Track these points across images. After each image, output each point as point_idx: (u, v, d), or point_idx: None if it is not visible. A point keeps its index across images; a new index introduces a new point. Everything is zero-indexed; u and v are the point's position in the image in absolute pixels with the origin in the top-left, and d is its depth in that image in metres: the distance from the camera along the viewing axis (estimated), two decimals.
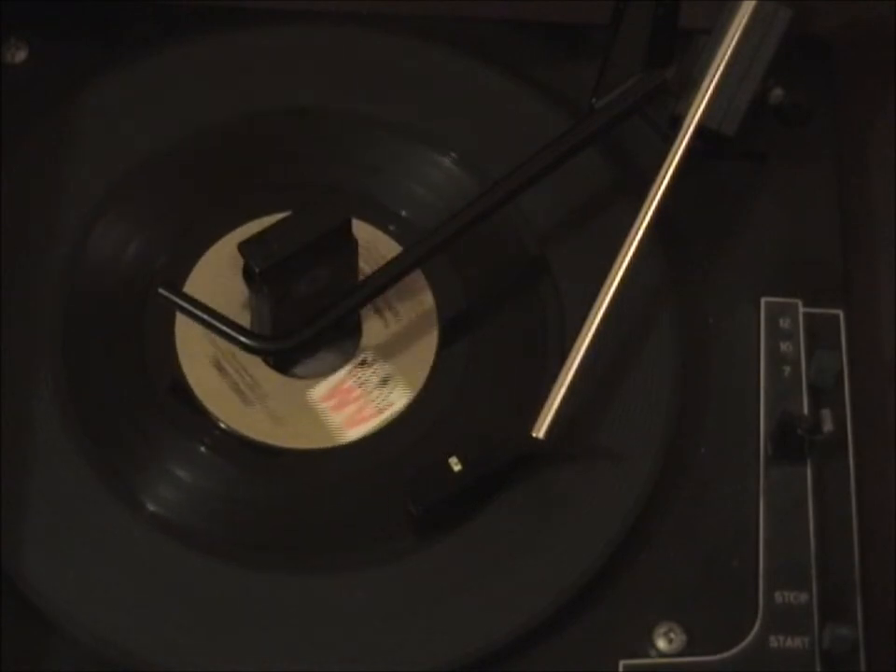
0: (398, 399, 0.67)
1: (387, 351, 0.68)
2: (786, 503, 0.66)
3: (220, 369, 0.67)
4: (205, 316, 0.64)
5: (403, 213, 0.71)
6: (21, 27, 0.74)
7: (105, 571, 0.62)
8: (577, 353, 0.65)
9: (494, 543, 0.64)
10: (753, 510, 0.66)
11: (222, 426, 0.66)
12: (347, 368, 0.67)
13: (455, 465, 0.63)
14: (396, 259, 0.66)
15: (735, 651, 0.63)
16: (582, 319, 0.65)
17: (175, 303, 0.65)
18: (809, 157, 0.74)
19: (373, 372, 0.67)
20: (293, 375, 0.68)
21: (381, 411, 0.66)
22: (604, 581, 0.64)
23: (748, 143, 0.72)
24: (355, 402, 0.67)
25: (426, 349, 0.68)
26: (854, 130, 0.76)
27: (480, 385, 0.68)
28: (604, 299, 0.65)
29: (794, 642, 0.63)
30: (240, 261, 0.63)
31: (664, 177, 0.67)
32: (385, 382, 0.67)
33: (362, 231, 0.67)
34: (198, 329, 0.65)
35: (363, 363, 0.67)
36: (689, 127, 0.68)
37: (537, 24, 0.77)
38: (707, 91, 0.69)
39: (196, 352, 0.68)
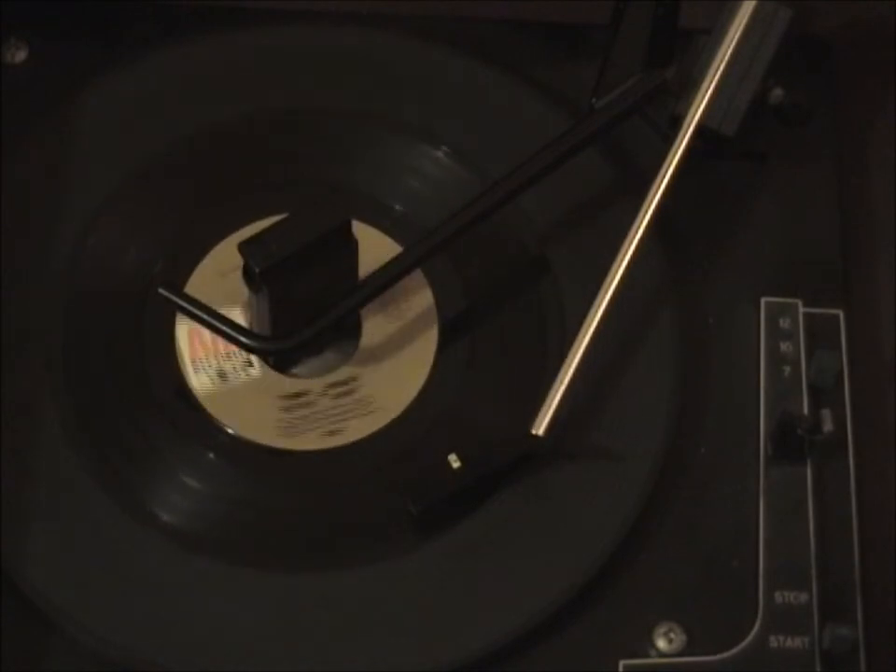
0: (353, 430, 0.66)
1: (387, 351, 0.68)
2: (786, 503, 0.66)
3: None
4: (205, 316, 0.64)
5: (403, 212, 0.71)
6: (21, 27, 0.74)
7: (104, 571, 0.62)
8: (576, 352, 0.65)
9: (494, 543, 0.64)
10: (753, 510, 0.66)
11: (222, 427, 0.66)
12: (321, 381, 0.67)
13: (455, 462, 0.63)
14: (396, 258, 0.66)
15: (735, 650, 0.63)
16: (582, 319, 0.65)
17: (175, 303, 0.65)
18: (809, 157, 0.74)
19: (344, 395, 0.67)
20: (293, 375, 0.68)
21: (331, 433, 0.66)
22: (604, 581, 0.64)
23: (748, 143, 0.72)
24: (311, 415, 0.66)
25: (426, 349, 0.68)
26: (854, 130, 0.76)
27: (480, 384, 0.68)
28: (604, 298, 0.65)
29: (794, 642, 0.63)
30: (240, 262, 0.63)
31: (664, 177, 0.67)
32: (349, 409, 0.66)
33: (362, 231, 0.67)
34: (198, 328, 0.66)
35: (339, 384, 0.67)
36: (689, 127, 0.68)
37: (537, 24, 0.77)
38: (706, 91, 0.69)
39: (196, 352, 0.68)
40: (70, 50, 0.74)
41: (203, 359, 0.67)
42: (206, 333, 0.66)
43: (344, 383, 0.67)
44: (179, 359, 0.67)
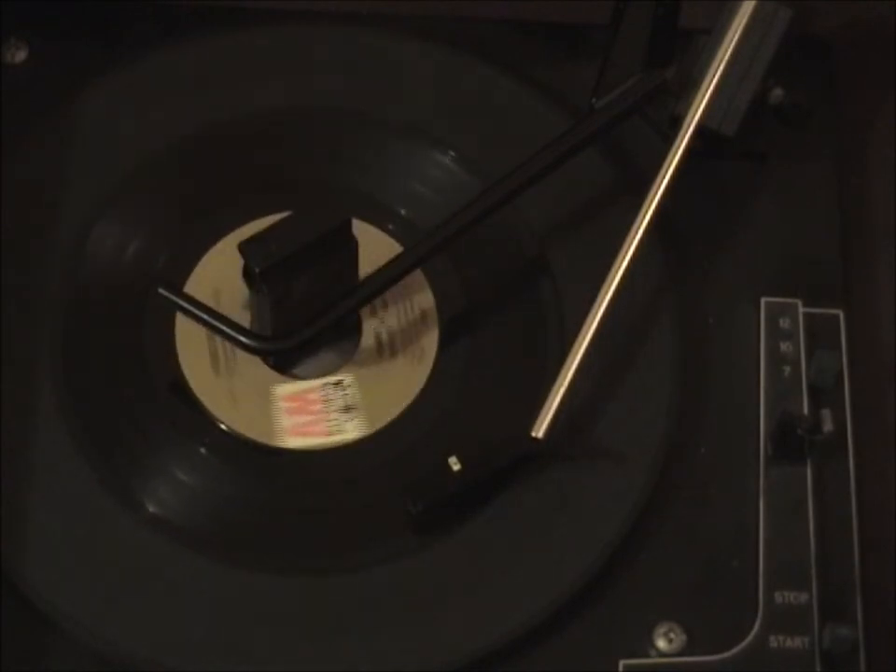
0: (351, 430, 0.66)
1: (387, 352, 0.68)
2: (786, 503, 0.66)
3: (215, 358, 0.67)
4: (205, 316, 0.64)
5: (403, 212, 0.71)
6: (21, 27, 0.74)
7: (104, 571, 0.62)
8: (576, 353, 0.65)
9: (493, 543, 0.64)
10: (753, 510, 0.66)
11: (222, 426, 0.66)
12: (320, 381, 0.67)
13: (455, 464, 0.63)
14: (396, 258, 0.66)
15: (735, 650, 0.63)
16: (582, 319, 0.65)
17: (175, 303, 0.65)
18: (809, 157, 0.74)
19: (342, 396, 0.67)
20: (293, 375, 0.68)
21: (329, 434, 0.66)
22: (604, 581, 0.64)
23: (748, 143, 0.72)
24: (310, 415, 0.66)
25: (426, 349, 0.68)
26: (854, 130, 0.76)
27: (480, 384, 0.68)
28: (603, 298, 0.65)
29: (794, 642, 0.63)
30: (240, 261, 0.63)
31: (664, 177, 0.67)
32: (347, 409, 0.66)
33: (362, 230, 0.67)
34: (198, 328, 0.66)
35: (338, 384, 0.67)
36: (689, 127, 0.68)
37: (537, 24, 0.77)
38: (706, 91, 0.69)
39: (196, 352, 0.68)
40: (70, 50, 0.74)
41: (203, 359, 0.67)
42: (206, 333, 0.66)
43: (344, 383, 0.67)
44: (179, 359, 0.67)
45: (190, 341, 0.68)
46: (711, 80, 0.69)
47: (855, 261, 0.72)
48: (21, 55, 0.74)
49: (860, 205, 0.74)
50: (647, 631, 0.63)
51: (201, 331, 0.66)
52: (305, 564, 0.63)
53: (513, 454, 0.64)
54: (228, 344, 0.66)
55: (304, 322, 0.65)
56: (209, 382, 0.67)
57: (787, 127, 0.74)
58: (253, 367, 0.67)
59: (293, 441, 0.66)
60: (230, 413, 0.66)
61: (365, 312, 0.68)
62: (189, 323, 0.66)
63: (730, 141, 0.70)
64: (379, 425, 0.66)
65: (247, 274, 0.64)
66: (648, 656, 0.63)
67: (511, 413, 0.66)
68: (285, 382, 0.67)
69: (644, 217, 0.67)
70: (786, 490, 0.66)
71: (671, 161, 0.68)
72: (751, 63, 0.70)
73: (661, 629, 0.63)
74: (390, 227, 0.71)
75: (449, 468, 0.63)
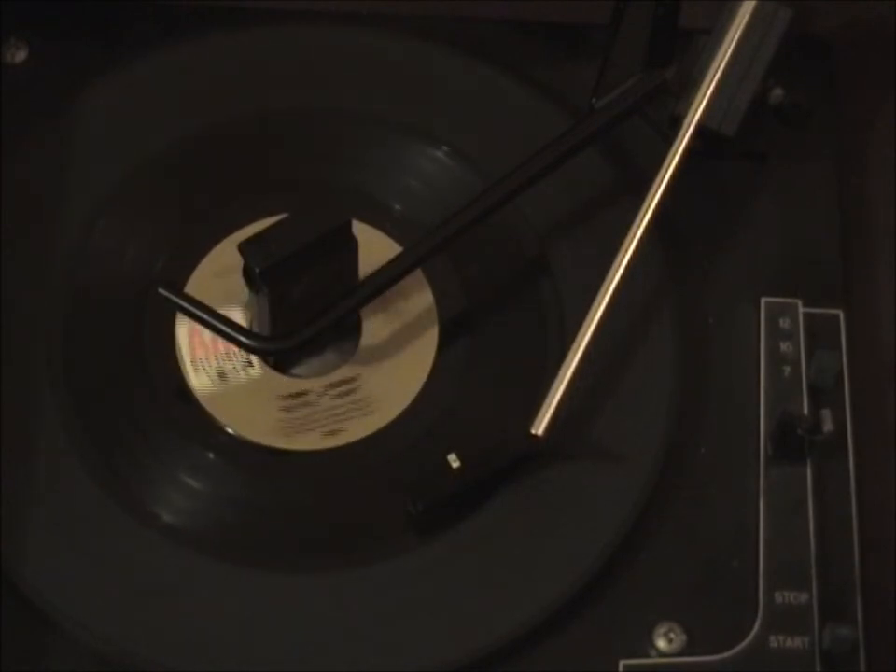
0: (352, 430, 0.66)
1: (387, 351, 0.68)
2: (786, 503, 0.66)
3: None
4: (205, 316, 0.64)
5: (403, 212, 0.71)
6: (21, 27, 0.74)
7: (104, 571, 0.62)
8: (576, 351, 0.65)
9: (493, 543, 0.64)
10: (753, 510, 0.66)
11: (222, 427, 0.66)
12: (321, 381, 0.67)
13: (454, 461, 0.63)
14: (396, 258, 0.66)
15: (735, 650, 0.63)
16: (582, 319, 0.65)
17: (175, 303, 0.65)
18: (809, 157, 0.74)
19: (343, 396, 0.67)
20: (293, 375, 0.68)
21: (330, 434, 0.66)
22: (604, 581, 0.64)
23: (748, 143, 0.72)
24: (310, 414, 0.66)
25: (426, 349, 0.68)
26: (854, 130, 0.76)
27: (480, 384, 0.68)
28: (603, 298, 0.65)
29: (794, 642, 0.63)
30: (240, 262, 0.63)
31: (664, 177, 0.67)
32: (348, 409, 0.66)
33: (362, 230, 0.67)
34: (198, 328, 0.66)
35: (339, 384, 0.67)
36: (689, 127, 0.68)
37: (537, 24, 0.77)
38: (706, 91, 0.69)
39: (196, 352, 0.68)
40: (70, 50, 0.74)
41: (203, 359, 0.67)
42: (206, 333, 0.66)
43: (344, 383, 0.67)
44: (179, 359, 0.67)
45: (190, 341, 0.68)
46: (711, 80, 0.69)
47: (855, 261, 0.72)
48: (21, 55, 0.74)
49: (860, 205, 0.74)
50: (647, 631, 0.63)
51: (201, 331, 0.67)
52: (305, 564, 0.63)
53: (513, 452, 0.64)
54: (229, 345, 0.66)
55: (304, 322, 0.65)
56: (210, 382, 0.67)
57: (787, 127, 0.74)
58: (253, 367, 0.67)
59: (292, 441, 0.66)
60: (230, 414, 0.66)
61: (365, 312, 0.68)
62: (189, 323, 0.66)
63: (730, 141, 0.70)
64: (379, 425, 0.66)
65: (247, 274, 0.64)
66: (648, 656, 0.63)
67: (512, 413, 0.66)
68: (284, 381, 0.67)
69: (644, 216, 0.67)
70: (786, 490, 0.66)
71: (671, 161, 0.68)
72: (751, 63, 0.70)
73: (661, 629, 0.63)
74: (390, 227, 0.71)
75: (448, 465, 0.63)
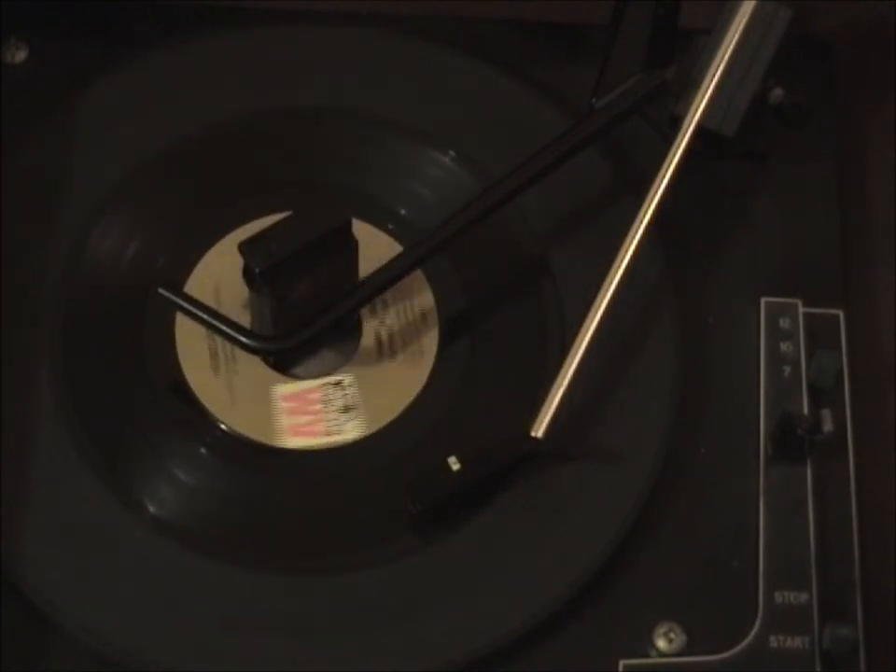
0: (351, 430, 0.66)
1: (387, 351, 0.68)
2: (786, 503, 0.66)
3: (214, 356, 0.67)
4: (205, 316, 0.64)
5: (403, 212, 0.71)
6: (21, 27, 0.74)
7: (104, 571, 0.62)
8: (576, 352, 0.65)
9: (493, 543, 0.64)
10: (753, 510, 0.66)
11: (222, 426, 0.66)
12: (320, 381, 0.67)
13: (454, 464, 0.63)
14: (396, 258, 0.66)
15: (735, 650, 0.63)
16: (582, 319, 0.65)
17: (175, 303, 0.65)
18: (809, 157, 0.74)
19: (342, 396, 0.67)
20: (293, 375, 0.68)
21: (329, 434, 0.66)
22: (604, 581, 0.64)
23: (748, 143, 0.72)
24: (310, 415, 0.66)
25: (426, 349, 0.68)
26: (854, 130, 0.76)
27: (480, 384, 0.68)
28: (603, 298, 0.65)
29: (794, 642, 0.63)
30: (240, 261, 0.63)
31: (664, 177, 0.67)
32: (347, 409, 0.66)
33: (362, 230, 0.67)
34: (198, 328, 0.66)
35: (338, 384, 0.67)
36: (689, 127, 0.68)
37: (537, 24, 0.77)
38: (706, 91, 0.69)
39: (196, 352, 0.68)
40: (70, 50, 0.74)
41: (204, 359, 0.67)
42: (206, 333, 0.66)
43: (344, 383, 0.67)
44: (179, 359, 0.67)
45: (190, 341, 0.68)
46: (711, 80, 0.69)
47: (855, 261, 0.72)
48: (21, 55, 0.74)
49: (860, 205, 0.74)
50: (647, 631, 0.63)
51: (201, 331, 0.67)
52: (306, 564, 0.63)
53: (513, 453, 0.64)
54: (228, 344, 0.66)
55: (304, 322, 0.65)
56: (209, 382, 0.67)
57: (787, 127, 0.74)
58: (253, 367, 0.67)
59: (292, 441, 0.66)
60: (230, 414, 0.66)
61: (365, 312, 0.68)
62: (189, 323, 0.66)
63: (730, 141, 0.70)
64: (378, 425, 0.66)
65: (247, 274, 0.64)
66: (648, 656, 0.63)
67: (512, 413, 0.66)
68: (284, 381, 0.67)
69: (644, 216, 0.67)
70: (786, 490, 0.66)
71: (671, 161, 0.68)
72: (751, 63, 0.70)
73: (661, 629, 0.63)
74: (390, 227, 0.71)
75: (448, 467, 0.63)
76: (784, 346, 0.69)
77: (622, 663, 0.63)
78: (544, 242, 0.70)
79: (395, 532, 0.64)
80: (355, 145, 0.72)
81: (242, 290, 0.65)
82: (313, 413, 0.67)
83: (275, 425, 0.66)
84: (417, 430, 0.66)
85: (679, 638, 0.63)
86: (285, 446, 0.66)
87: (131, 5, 0.76)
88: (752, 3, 0.70)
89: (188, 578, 0.62)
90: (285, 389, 0.67)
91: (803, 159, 0.74)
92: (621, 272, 0.66)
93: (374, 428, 0.66)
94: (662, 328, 0.68)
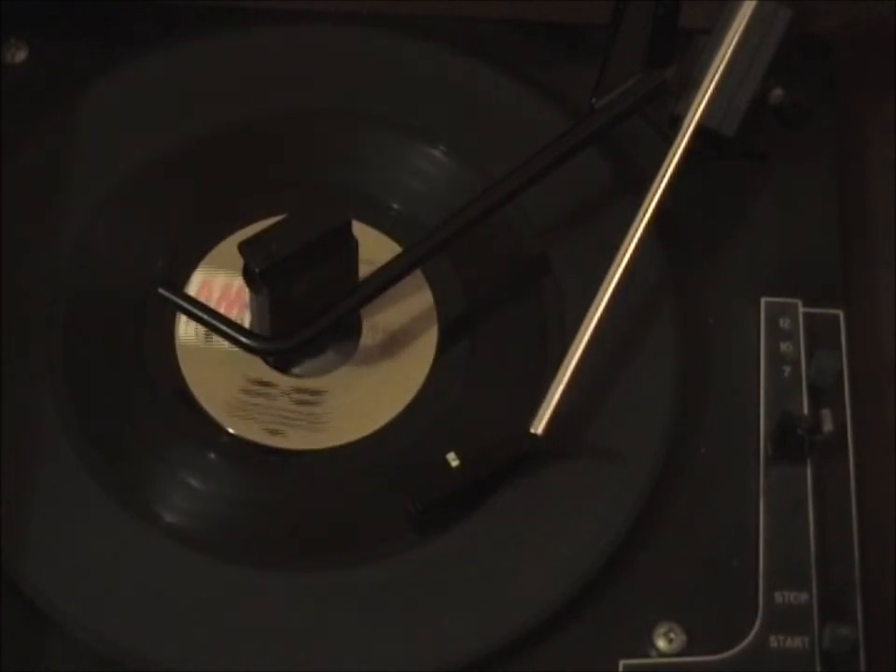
0: (291, 439, 0.66)
1: (386, 351, 0.68)
2: (786, 503, 0.66)
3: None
4: (205, 316, 0.64)
5: (403, 212, 0.71)
6: (21, 27, 0.74)
7: (104, 571, 0.62)
8: (576, 351, 0.65)
9: (493, 543, 0.64)
10: (753, 510, 0.66)
11: (222, 427, 0.66)
12: (294, 382, 0.67)
13: (453, 460, 0.63)
14: (396, 258, 0.66)
15: (735, 650, 0.63)
16: (582, 319, 0.65)
17: (175, 303, 0.65)
18: (809, 157, 0.74)
19: (304, 405, 0.66)
20: (293, 375, 0.68)
21: (269, 431, 0.66)
22: (604, 581, 0.64)
23: (748, 143, 0.72)
24: (264, 406, 0.66)
25: (426, 349, 0.68)
26: (854, 130, 0.76)
27: (479, 384, 0.68)
28: (604, 298, 0.66)
29: (794, 642, 0.63)
30: (240, 261, 0.63)
31: (663, 177, 0.67)
32: (301, 418, 0.66)
33: (362, 231, 0.67)
34: (199, 329, 0.66)
35: (307, 392, 0.67)
36: (689, 127, 0.68)
37: (537, 24, 0.77)
38: (706, 91, 0.69)
39: (196, 352, 0.68)
40: (70, 50, 0.74)
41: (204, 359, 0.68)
42: (206, 333, 0.66)
43: (314, 393, 0.67)
44: (179, 359, 0.67)
45: (190, 341, 0.68)
46: (711, 80, 0.69)
47: (855, 261, 0.72)
48: (21, 55, 0.74)
49: (860, 205, 0.74)
50: (647, 631, 0.63)
51: (201, 331, 0.67)
52: (306, 564, 0.63)
53: (513, 451, 0.64)
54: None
55: (304, 322, 0.65)
56: (209, 381, 0.67)
57: (787, 127, 0.74)
58: (252, 366, 0.67)
59: (231, 421, 0.66)
60: (231, 415, 0.66)
61: (365, 312, 0.68)
62: (188, 323, 0.66)
63: (730, 141, 0.70)
64: (380, 424, 0.66)
65: (247, 274, 0.64)
66: (648, 656, 0.63)
67: (511, 412, 0.66)
68: (263, 367, 0.67)
69: (644, 216, 0.67)
70: (786, 490, 0.66)
71: (671, 161, 0.68)
72: (751, 63, 0.70)
73: (661, 629, 0.63)
74: (390, 227, 0.71)
75: (448, 464, 0.63)
76: (784, 346, 0.69)
77: (622, 663, 0.63)
78: (544, 241, 0.70)
79: (394, 532, 0.64)
80: (355, 145, 0.72)
81: (242, 290, 0.65)
82: (267, 406, 0.66)
83: (228, 397, 0.66)
84: (417, 430, 0.66)
85: (679, 638, 0.63)
86: (286, 446, 0.66)
87: (131, 5, 0.76)
88: (752, 3, 0.70)
89: (187, 578, 0.62)
90: (257, 373, 0.67)
91: (803, 159, 0.74)
92: (621, 271, 0.66)
93: (376, 427, 0.66)
94: (662, 328, 0.68)
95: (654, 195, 0.67)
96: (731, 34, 0.69)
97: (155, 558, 0.63)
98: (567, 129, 0.69)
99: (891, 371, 0.70)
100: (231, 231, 0.70)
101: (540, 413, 0.64)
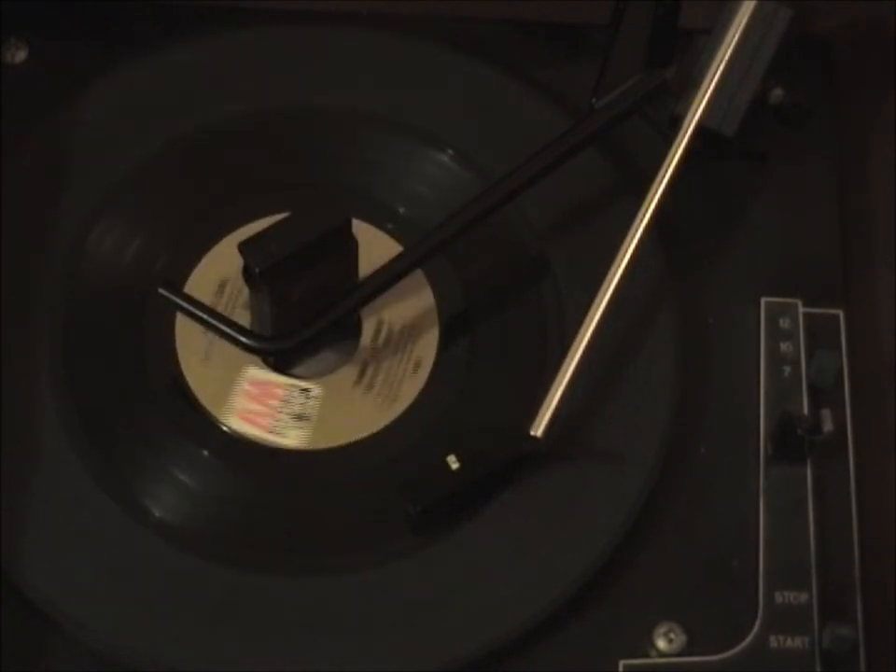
0: (292, 438, 0.66)
1: (386, 351, 0.68)
2: (786, 503, 0.66)
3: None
4: (205, 316, 0.64)
5: (403, 212, 0.71)
6: (21, 27, 0.74)
7: (104, 571, 0.62)
8: (575, 352, 0.65)
9: (493, 543, 0.64)
10: (753, 510, 0.66)
11: (221, 426, 0.66)
12: (291, 381, 0.67)
13: (453, 463, 0.63)
14: (396, 258, 0.66)
15: (735, 650, 0.63)
16: (582, 319, 0.65)
17: (175, 303, 0.65)
18: (809, 157, 0.74)
19: (301, 404, 0.67)
20: (293, 375, 0.68)
21: (271, 432, 0.66)
22: (604, 581, 0.64)
23: (748, 143, 0.72)
24: (264, 407, 0.66)
25: (426, 349, 0.68)
26: (854, 130, 0.76)
27: (479, 384, 0.68)
28: (604, 298, 0.65)
29: (794, 642, 0.63)
30: (240, 261, 0.63)
31: (664, 177, 0.67)
32: (299, 417, 0.66)
33: (362, 230, 0.67)
34: (198, 328, 0.66)
35: (304, 391, 0.67)
36: (689, 127, 0.68)
37: (537, 24, 0.77)
38: (706, 91, 0.69)
39: (196, 352, 0.68)
40: (70, 50, 0.74)
41: (204, 359, 0.68)
42: (206, 333, 0.66)
43: (310, 392, 0.67)
44: (179, 359, 0.67)
45: (190, 341, 0.68)
46: (711, 80, 0.69)
47: (855, 261, 0.72)
48: (21, 55, 0.74)
49: (860, 205, 0.74)
50: (647, 631, 0.63)
51: (200, 331, 0.67)
52: (305, 564, 0.63)
53: (512, 453, 0.64)
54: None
55: (304, 322, 0.65)
56: (209, 381, 0.67)
57: (787, 127, 0.74)
58: (252, 366, 0.67)
59: (235, 423, 0.66)
60: (230, 413, 0.66)
61: (365, 312, 0.68)
62: (189, 323, 0.66)
63: (730, 141, 0.70)
64: (379, 424, 0.66)
65: (247, 274, 0.64)
66: (648, 656, 0.63)
67: (512, 413, 0.66)
68: (261, 368, 0.67)
69: (644, 216, 0.67)
70: (786, 490, 0.66)
71: (671, 161, 0.68)
72: (751, 63, 0.70)
73: (661, 629, 0.63)
74: (390, 227, 0.71)
75: (447, 466, 0.63)
76: (784, 346, 0.69)
77: (622, 663, 0.63)
78: (544, 242, 0.70)
79: (394, 532, 0.64)
80: (354, 145, 0.72)
81: (242, 290, 0.65)
82: (266, 407, 0.66)
83: (229, 400, 0.66)
84: (417, 430, 0.66)
85: (679, 638, 0.63)
86: (286, 446, 0.66)
87: (131, 5, 0.76)
88: (752, 3, 0.70)
89: (188, 578, 0.62)
90: (255, 374, 0.67)
91: (803, 159, 0.74)
92: (620, 271, 0.66)
93: (375, 427, 0.66)
94: (662, 328, 0.68)
95: (654, 195, 0.67)
96: (731, 34, 0.69)
97: (155, 558, 0.63)
98: (566, 129, 0.69)
99: (891, 371, 0.70)
100: (231, 231, 0.70)
101: (540, 414, 0.64)
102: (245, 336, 0.64)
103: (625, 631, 0.63)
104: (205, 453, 0.66)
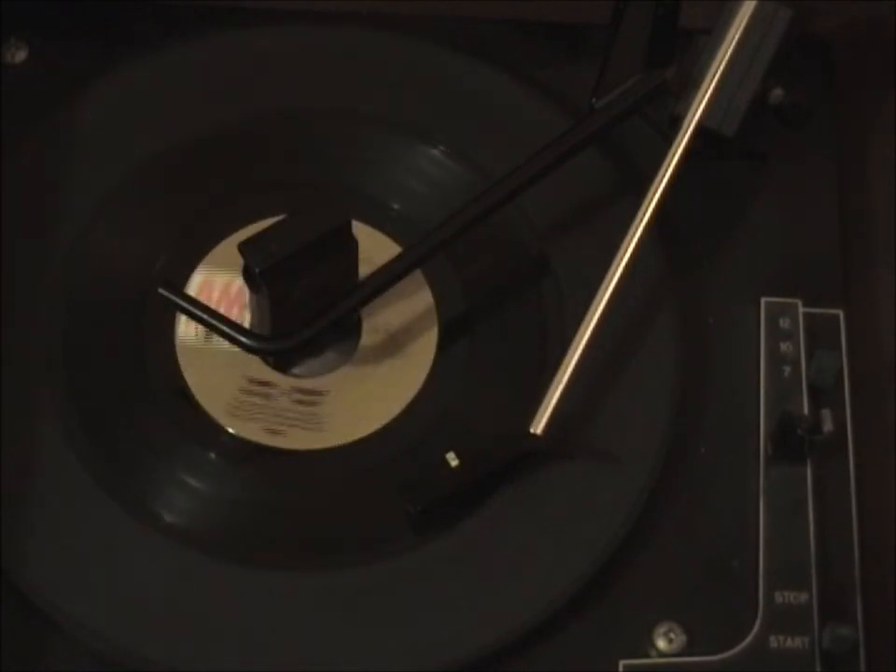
0: (291, 437, 0.66)
1: (386, 351, 0.68)
2: (786, 503, 0.66)
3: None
4: (205, 316, 0.64)
5: (403, 212, 0.71)
6: (21, 27, 0.74)
7: (104, 571, 0.62)
8: (576, 350, 0.65)
9: (493, 543, 0.64)
10: (753, 510, 0.66)
11: (221, 426, 0.66)
12: (293, 382, 0.67)
13: (453, 460, 0.63)
14: (396, 258, 0.66)
15: (735, 650, 0.63)
16: (582, 319, 0.65)
17: (175, 303, 0.65)
18: (809, 157, 0.74)
19: (302, 405, 0.66)
20: (293, 375, 0.68)
21: (268, 431, 0.66)
22: (604, 581, 0.64)
23: (748, 143, 0.72)
24: (262, 405, 0.66)
25: (426, 349, 0.68)
26: (854, 130, 0.76)
27: (479, 384, 0.68)
28: (604, 298, 0.65)
29: (794, 642, 0.63)
30: (240, 261, 0.63)
31: (664, 177, 0.67)
32: (299, 417, 0.66)
33: (361, 230, 0.67)
34: (198, 328, 0.66)
35: (306, 392, 0.67)
36: (689, 127, 0.68)
37: (537, 24, 0.77)
38: (706, 91, 0.69)
39: (196, 352, 0.68)
40: (70, 50, 0.74)
41: (204, 359, 0.68)
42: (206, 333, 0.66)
43: (313, 394, 0.67)
44: (179, 360, 0.67)
45: (190, 341, 0.68)
46: (711, 80, 0.69)
47: (855, 261, 0.72)
48: (21, 55, 0.74)
49: (860, 206, 0.74)
50: (647, 631, 0.63)
51: (201, 331, 0.67)
52: (305, 564, 0.63)
53: (512, 451, 0.64)
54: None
55: (304, 322, 0.65)
56: (209, 382, 0.67)
57: (787, 127, 0.74)
58: (252, 366, 0.67)
59: (235, 423, 0.66)
60: (230, 414, 0.66)
61: (365, 312, 0.68)
62: (189, 323, 0.66)
63: (730, 141, 0.70)
64: (379, 424, 0.66)
65: (247, 274, 0.64)
66: (648, 656, 0.63)
67: (511, 412, 0.66)
68: (262, 366, 0.67)
69: (644, 216, 0.67)
70: (786, 490, 0.66)
71: (671, 161, 0.68)
72: (751, 63, 0.70)
73: (661, 629, 0.63)
74: (390, 227, 0.71)
75: (447, 464, 0.63)
76: (784, 346, 0.69)
77: (622, 663, 0.63)
78: (544, 241, 0.70)
79: (394, 532, 0.64)
80: (354, 145, 0.72)
81: (242, 290, 0.65)
82: (265, 406, 0.66)
83: (227, 395, 0.66)
84: (416, 430, 0.66)
85: (679, 638, 0.63)
86: (285, 446, 0.66)
87: (131, 5, 0.76)
88: (752, 3, 0.70)
89: (187, 577, 0.62)
90: (256, 372, 0.67)
91: (803, 159, 0.74)
92: (620, 271, 0.66)
93: (375, 427, 0.66)
94: (662, 328, 0.68)
95: (654, 195, 0.67)
96: (731, 34, 0.69)
97: (155, 558, 0.63)
98: (566, 129, 0.69)
99: (891, 370, 0.70)
100: (231, 231, 0.70)
101: (540, 412, 0.64)
102: (245, 336, 0.64)
103: (625, 631, 0.63)
104: (205, 453, 0.66)
